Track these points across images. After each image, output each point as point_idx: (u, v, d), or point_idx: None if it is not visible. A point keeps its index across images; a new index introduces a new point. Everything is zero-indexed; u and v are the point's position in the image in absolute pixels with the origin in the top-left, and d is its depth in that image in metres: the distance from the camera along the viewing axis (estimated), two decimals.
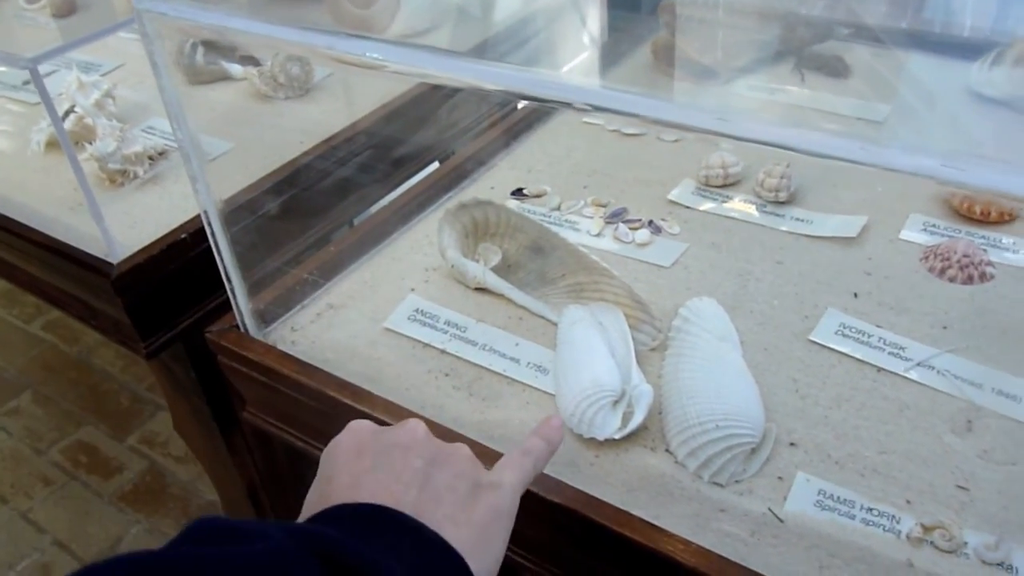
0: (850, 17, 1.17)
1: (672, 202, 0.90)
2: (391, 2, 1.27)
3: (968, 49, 1.04)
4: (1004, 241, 0.80)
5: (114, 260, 0.87)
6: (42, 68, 0.78)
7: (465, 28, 1.32)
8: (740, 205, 0.88)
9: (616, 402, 0.66)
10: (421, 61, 0.50)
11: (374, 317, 0.79)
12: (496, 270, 0.81)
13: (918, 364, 0.70)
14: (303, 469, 0.94)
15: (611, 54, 1.22)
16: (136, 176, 1.01)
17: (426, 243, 0.88)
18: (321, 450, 0.49)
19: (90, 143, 1.01)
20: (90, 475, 1.67)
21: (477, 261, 0.81)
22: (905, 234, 0.83)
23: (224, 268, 0.74)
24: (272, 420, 0.81)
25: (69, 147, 0.79)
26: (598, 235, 0.87)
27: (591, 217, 0.89)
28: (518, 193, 0.94)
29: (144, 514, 1.58)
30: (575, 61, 1.23)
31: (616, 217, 0.88)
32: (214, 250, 0.73)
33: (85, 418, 1.79)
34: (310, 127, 1.12)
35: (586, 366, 0.68)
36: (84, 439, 1.75)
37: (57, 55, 0.78)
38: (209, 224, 0.71)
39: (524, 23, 1.28)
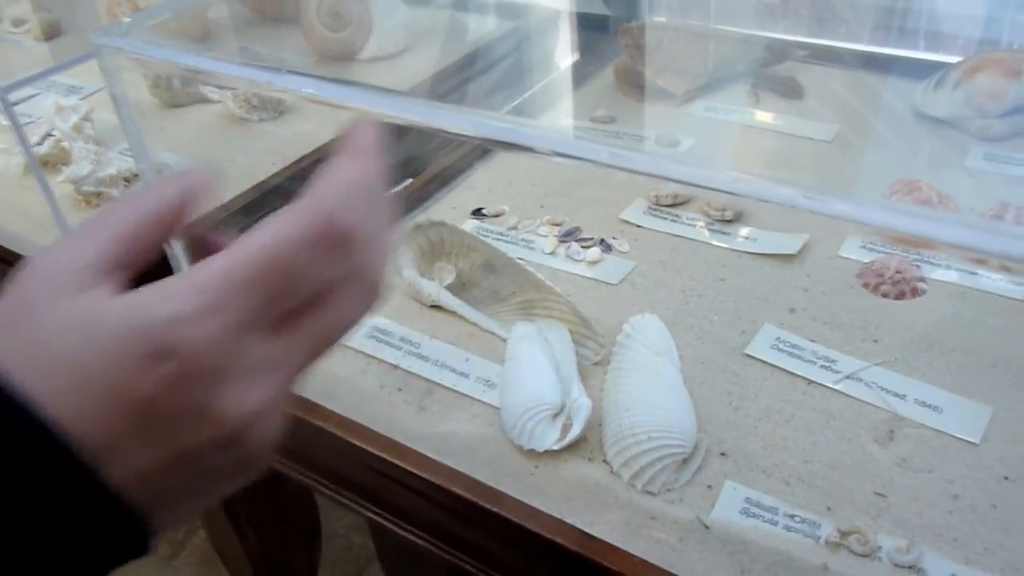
0: (808, 38, 1.21)
1: (624, 221, 0.93)
2: (364, 25, 1.31)
3: (921, 69, 1.08)
4: (936, 258, 0.84)
5: None
6: (24, 91, 0.82)
7: (436, 49, 1.37)
8: (688, 224, 0.92)
9: (556, 415, 0.70)
10: (348, 97, 0.53)
11: None
12: (451, 288, 0.85)
13: (846, 377, 0.73)
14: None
15: (578, 76, 1.26)
16: (111, 198, 1.04)
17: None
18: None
19: (67, 165, 1.05)
20: None
21: (432, 280, 0.85)
22: (844, 251, 0.86)
23: None
24: None
25: (38, 172, 0.82)
26: (551, 253, 0.90)
27: (545, 236, 0.92)
28: (478, 213, 0.97)
29: None
30: (542, 82, 1.27)
31: (569, 236, 0.92)
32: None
33: None
34: (283, 149, 1.16)
35: (529, 380, 0.72)
36: None
37: (27, 84, 0.82)
38: (170, 246, 0.74)
39: (493, 45, 1.32)
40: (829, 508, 0.63)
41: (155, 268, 0.34)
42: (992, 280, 0.81)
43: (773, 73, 1.15)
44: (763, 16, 1.18)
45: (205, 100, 1.27)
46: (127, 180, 1.06)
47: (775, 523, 0.63)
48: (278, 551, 1.22)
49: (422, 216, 0.97)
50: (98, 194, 1.03)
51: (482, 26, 1.38)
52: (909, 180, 0.88)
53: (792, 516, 0.63)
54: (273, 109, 1.22)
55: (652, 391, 0.70)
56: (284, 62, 1.21)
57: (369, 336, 0.81)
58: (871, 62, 1.14)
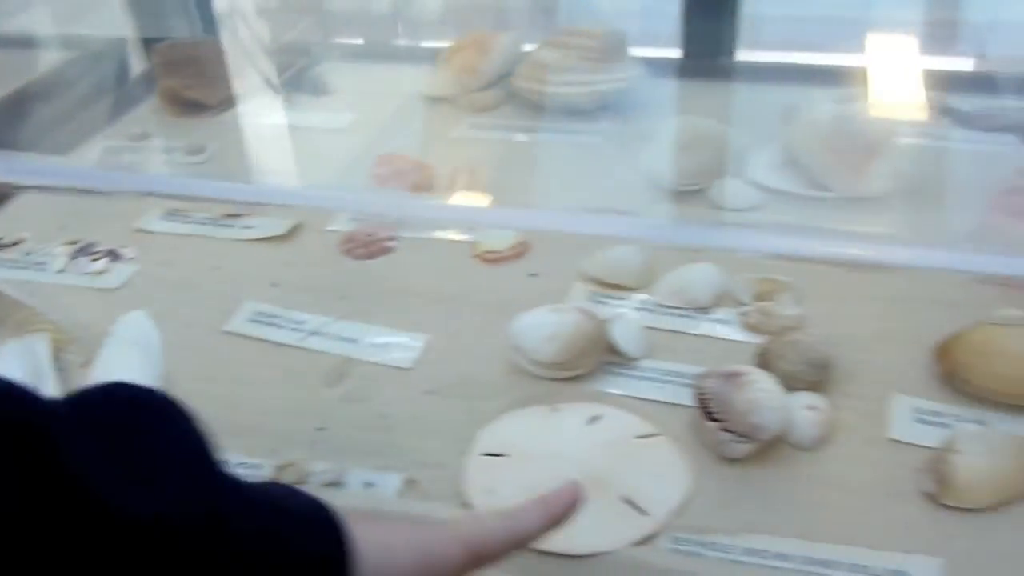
0: (342, 39, 1.31)
1: (139, 230, 0.97)
2: None
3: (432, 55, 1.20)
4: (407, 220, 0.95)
5: None
6: None
7: None
8: (198, 224, 0.97)
9: None
10: None
11: None
12: None
13: (311, 333, 0.81)
14: None
15: (129, 100, 1.27)
16: None
17: None
18: None
19: None
20: None
21: None
22: (332, 225, 0.95)
23: None
24: None
25: None
26: (62, 271, 0.92)
27: (58, 256, 0.94)
28: None
29: None
30: (88, 113, 1.27)
31: (81, 252, 0.94)
32: None
33: None
34: None
35: None
36: None
37: None
38: None
39: (47, 80, 1.31)
40: (273, 450, 0.71)
41: None
42: (447, 234, 0.92)
43: (307, 75, 1.23)
44: (288, 21, 1.27)
45: None
46: None
47: None
48: None
49: None
50: None
51: (40, 61, 1.36)
52: (388, 155, 0.99)
53: (243, 463, 0.70)
54: None
55: (110, 378, 0.74)
56: None
57: None
58: (394, 55, 1.26)
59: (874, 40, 1.17)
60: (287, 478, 0.68)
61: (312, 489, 0.67)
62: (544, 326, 0.74)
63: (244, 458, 0.70)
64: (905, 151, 0.90)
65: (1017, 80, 1.05)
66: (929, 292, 0.80)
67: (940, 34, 1.24)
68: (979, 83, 1.08)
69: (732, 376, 0.68)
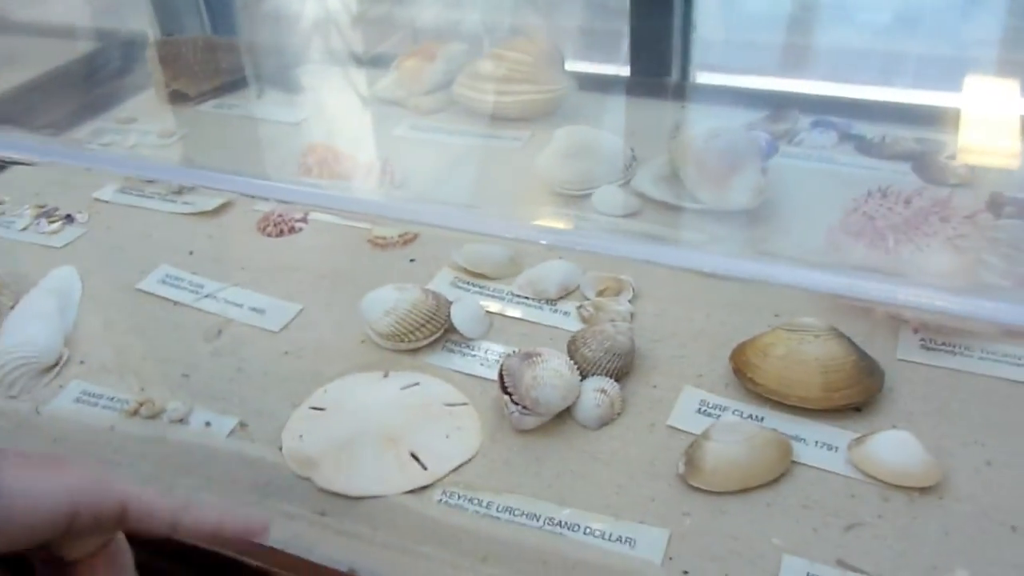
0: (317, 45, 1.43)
1: (96, 199, 1.11)
2: None
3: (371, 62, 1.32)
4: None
5: None
6: None
7: (15, 71, 1.50)
8: (148, 197, 1.10)
9: None
10: None
11: None
12: None
13: (205, 296, 0.92)
14: None
15: (133, 88, 1.42)
16: None
17: None
18: None
19: None
20: None
21: None
22: (257, 205, 1.06)
23: None
24: None
25: None
26: (24, 229, 1.06)
27: (25, 217, 1.08)
28: None
29: None
30: (91, 99, 1.43)
31: (44, 215, 1.08)
32: None
33: None
34: None
35: None
36: None
37: None
38: None
39: (64, 69, 1.48)
40: (142, 389, 0.82)
41: None
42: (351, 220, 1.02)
43: (280, 74, 1.36)
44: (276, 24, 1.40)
45: None
46: None
47: (95, 405, 0.81)
48: None
49: None
50: None
51: (60, 51, 1.53)
52: (315, 145, 1.09)
53: (112, 398, 0.81)
54: None
55: (24, 321, 0.87)
56: None
57: None
58: (355, 60, 1.38)
59: (820, 66, 1.21)
60: (143, 412, 0.79)
61: (161, 424, 0.78)
62: (385, 301, 0.83)
63: (113, 393, 0.81)
64: (771, 169, 0.96)
65: (916, 111, 1.09)
66: (757, 301, 0.85)
67: (881, 64, 1.28)
68: (886, 112, 1.11)
69: (528, 356, 0.75)
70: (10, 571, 0.49)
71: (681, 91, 1.25)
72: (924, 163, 1.03)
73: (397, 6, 1.58)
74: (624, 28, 1.29)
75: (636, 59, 1.28)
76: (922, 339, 0.81)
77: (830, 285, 0.74)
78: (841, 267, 0.88)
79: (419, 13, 1.53)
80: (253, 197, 1.05)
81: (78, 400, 0.81)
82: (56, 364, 0.85)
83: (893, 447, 0.68)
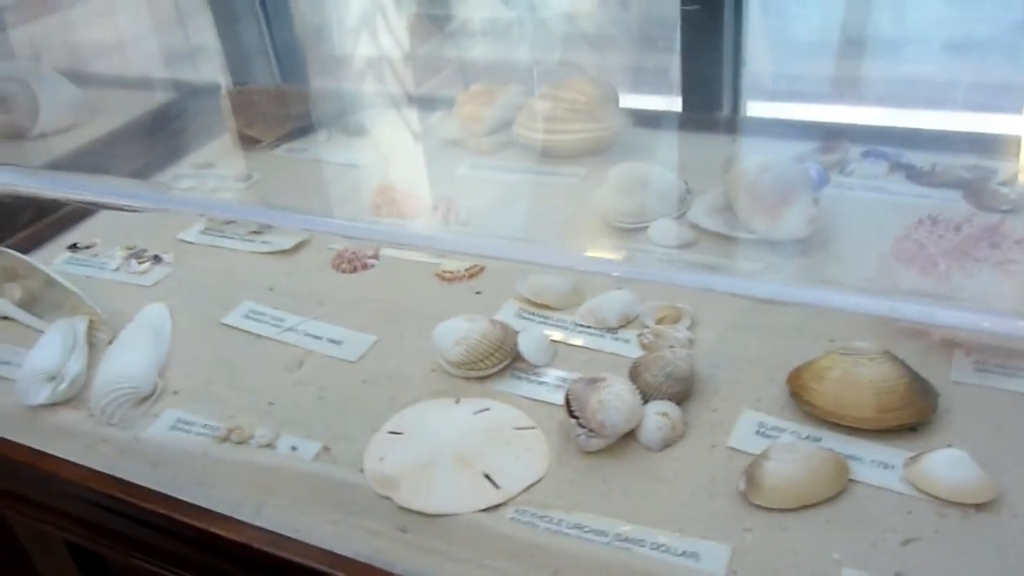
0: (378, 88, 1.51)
1: (180, 240, 1.19)
2: (30, 107, 1.54)
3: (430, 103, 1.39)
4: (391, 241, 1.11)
5: None
6: None
7: (101, 123, 1.60)
8: (229, 237, 1.17)
9: (51, 379, 0.93)
10: None
11: None
12: (22, 302, 1.07)
13: (287, 329, 0.99)
14: None
15: (209, 135, 1.51)
16: None
17: None
18: None
19: None
20: None
21: (2, 297, 1.07)
22: (329, 243, 1.13)
23: None
24: None
25: None
26: (116, 269, 1.14)
27: (116, 258, 1.16)
28: (73, 247, 1.21)
29: None
30: (174, 144, 1.52)
31: (134, 256, 1.16)
32: None
33: None
34: None
35: (37, 355, 0.95)
36: None
37: None
38: None
39: (147, 118, 1.57)
40: (231, 416, 0.88)
41: None
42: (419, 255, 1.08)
43: (351, 119, 1.43)
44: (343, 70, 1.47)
45: None
46: None
47: (189, 432, 0.87)
48: None
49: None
50: None
51: (140, 101, 1.63)
52: (384, 186, 1.15)
53: (205, 425, 0.87)
54: None
55: (121, 355, 0.94)
56: None
57: None
58: (411, 101, 1.45)
59: (869, 95, 1.24)
60: (234, 438, 0.85)
61: (250, 449, 0.84)
62: (455, 332, 0.88)
63: (205, 420, 0.87)
64: (823, 199, 0.99)
65: (966, 138, 1.11)
66: (812, 326, 0.88)
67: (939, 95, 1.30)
68: (937, 141, 1.14)
69: (593, 381, 0.79)
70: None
71: (732, 125, 1.29)
72: (975, 190, 1.05)
73: (447, 43, 1.66)
74: (674, 63, 1.34)
75: (687, 94, 1.33)
76: (975, 361, 0.83)
77: (883, 309, 0.77)
78: (893, 292, 0.91)
79: (468, 48, 1.60)
80: (332, 235, 1.12)
81: (173, 427, 0.88)
82: (152, 394, 0.92)
83: (948, 465, 0.71)
